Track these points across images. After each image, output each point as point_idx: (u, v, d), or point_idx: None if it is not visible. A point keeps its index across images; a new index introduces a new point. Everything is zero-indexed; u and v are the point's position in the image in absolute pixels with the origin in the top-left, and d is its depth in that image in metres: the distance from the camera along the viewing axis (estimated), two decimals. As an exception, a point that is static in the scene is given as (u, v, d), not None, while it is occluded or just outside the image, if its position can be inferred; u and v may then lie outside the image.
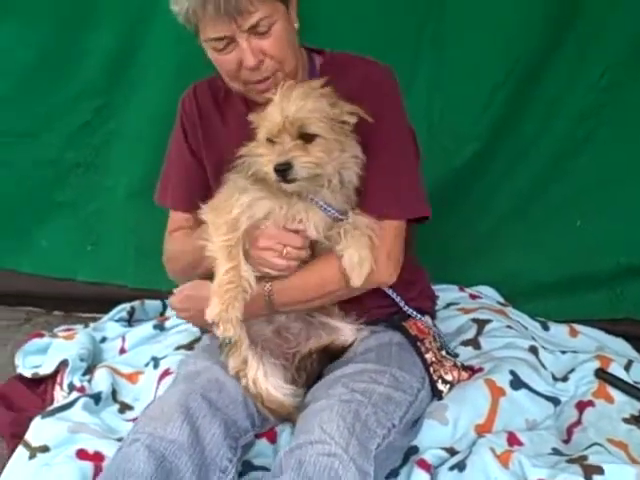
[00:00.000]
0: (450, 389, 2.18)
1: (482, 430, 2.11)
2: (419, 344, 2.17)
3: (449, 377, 2.19)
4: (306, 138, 1.87)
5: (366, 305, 2.17)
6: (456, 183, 3.05)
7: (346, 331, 2.13)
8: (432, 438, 2.08)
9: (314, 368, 2.11)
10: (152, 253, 3.10)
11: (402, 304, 2.19)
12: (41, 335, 2.94)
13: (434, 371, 2.15)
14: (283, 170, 1.83)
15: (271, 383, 2.01)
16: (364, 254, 1.94)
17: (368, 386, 1.93)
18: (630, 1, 2.76)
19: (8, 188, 3.34)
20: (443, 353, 2.25)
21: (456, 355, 2.41)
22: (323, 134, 1.88)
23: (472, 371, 2.28)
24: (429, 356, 2.16)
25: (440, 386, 2.15)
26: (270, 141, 1.90)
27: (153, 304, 3.18)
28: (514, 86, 2.94)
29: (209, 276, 1.97)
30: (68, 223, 3.36)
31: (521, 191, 3.04)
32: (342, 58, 2.19)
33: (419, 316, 2.24)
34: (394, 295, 2.16)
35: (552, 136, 2.97)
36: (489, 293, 2.96)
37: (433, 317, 2.41)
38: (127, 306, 3.10)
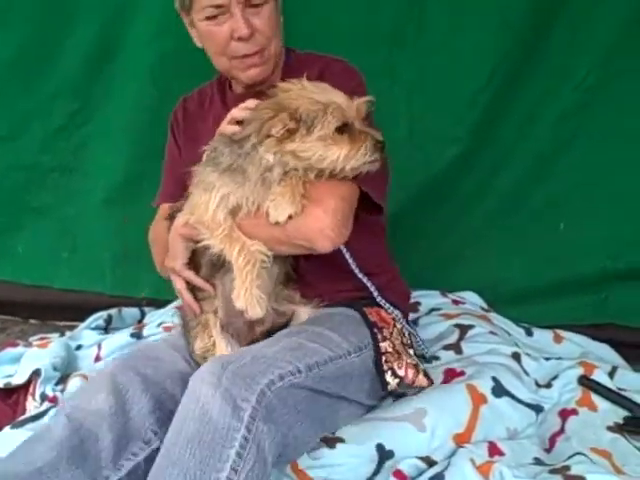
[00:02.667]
0: (399, 385, 2.07)
1: (461, 440, 2.06)
2: (375, 330, 2.12)
3: (401, 372, 2.08)
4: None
5: (331, 288, 2.18)
6: (437, 187, 3.02)
7: (302, 315, 2.15)
8: (408, 444, 2.02)
9: None
10: (130, 260, 3.10)
11: (370, 285, 2.15)
12: (15, 344, 2.88)
13: (386, 361, 2.07)
14: (381, 147, 1.91)
15: None
16: (287, 194, 1.91)
17: (276, 339, 1.97)
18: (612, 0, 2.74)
19: (-19, 193, 3.28)
20: (410, 352, 2.18)
21: (431, 359, 2.39)
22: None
23: (431, 381, 2.19)
24: (384, 345, 2.10)
25: (388, 378, 2.06)
26: (339, 131, 1.89)
27: (130, 312, 3.13)
28: (496, 88, 2.91)
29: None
30: (44, 229, 3.32)
31: (503, 195, 3.02)
32: (307, 56, 2.26)
33: (388, 306, 2.19)
34: (358, 273, 2.12)
35: (535, 138, 2.95)
36: (472, 299, 2.91)
37: (406, 315, 2.34)
38: (104, 314, 3.05)
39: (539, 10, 2.82)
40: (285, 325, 2.14)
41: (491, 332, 2.55)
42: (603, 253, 2.91)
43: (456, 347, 2.47)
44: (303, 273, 2.19)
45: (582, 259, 2.93)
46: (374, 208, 2.10)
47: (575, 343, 2.66)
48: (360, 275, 2.12)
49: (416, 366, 2.14)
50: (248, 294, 1.91)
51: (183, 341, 2.20)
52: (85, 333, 2.95)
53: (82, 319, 3.07)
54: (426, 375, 2.16)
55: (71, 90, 3.12)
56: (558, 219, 2.97)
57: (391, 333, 2.15)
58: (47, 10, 3.03)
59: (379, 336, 2.11)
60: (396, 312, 2.21)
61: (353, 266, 2.10)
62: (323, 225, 1.91)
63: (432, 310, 2.76)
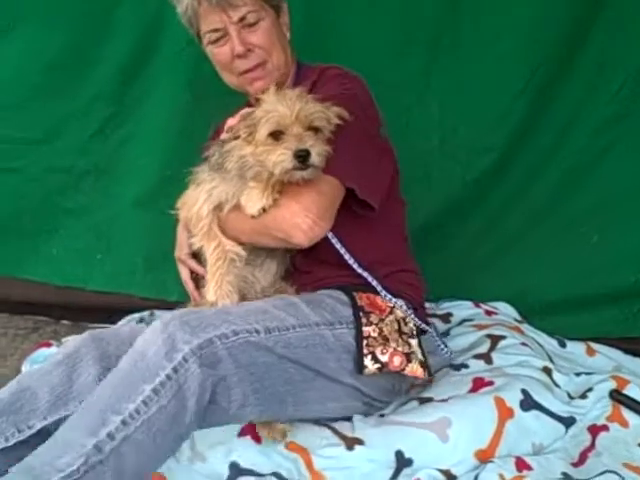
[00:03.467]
0: (380, 371, 2.04)
1: (483, 456, 2.04)
2: (361, 314, 2.10)
3: (384, 358, 2.04)
4: (314, 131, 2.01)
5: (326, 275, 2.22)
6: (469, 196, 3.00)
7: None
8: (429, 454, 2.02)
9: None
10: (162, 263, 3.11)
11: (365, 274, 2.14)
12: (48, 344, 2.90)
13: (367, 345, 2.05)
14: (303, 156, 1.93)
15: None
16: (259, 187, 2.00)
17: (242, 303, 2.06)
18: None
19: (19, 195, 3.32)
20: (411, 342, 2.13)
21: (460, 367, 2.39)
22: (324, 130, 2.03)
23: (430, 376, 2.19)
24: (368, 329, 2.07)
25: (367, 362, 2.04)
26: (274, 136, 1.97)
27: (162, 314, 3.13)
28: (531, 97, 2.90)
29: None
30: (78, 231, 3.34)
31: (537, 205, 2.99)
32: (314, 67, 2.36)
33: (385, 293, 2.15)
34: (353, 263, 2.13)
35: (570, 148, 2.92)
36: (505, 309, 2.89)
37: (420, 309, 2.31)
38: (136, 316, 3.06)
39: (575, 20, 2.80)
40: None
41: (523, 344, 2.52)
42: (637, 266, 2.87)
43: (486, 357, 2.45)
44: (299, 266, 2.26)
45: (615, 271, 2.89)
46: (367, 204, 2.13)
47: (608, 356, 2.64)
48: (355, 265, 2.13)
49: (408, 355, 2.09)
50: (218, 288, 2.05)
51: None
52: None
53: (114, 321, 3.07)
54: (424, 367, 2.12)
55: (107, 94, 3.14)
56: (592, 230, 2.93)
57: (381, 319, 2.11)
58: (85, 16, 3.06)
59: (364, 320, 2.09)
60: (398, 301, 2.17)
61: (346, 257, 2.12)
62: (297, 218, 1.98)
63: (464, 321, 2.74)
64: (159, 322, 1.87)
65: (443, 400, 2.18)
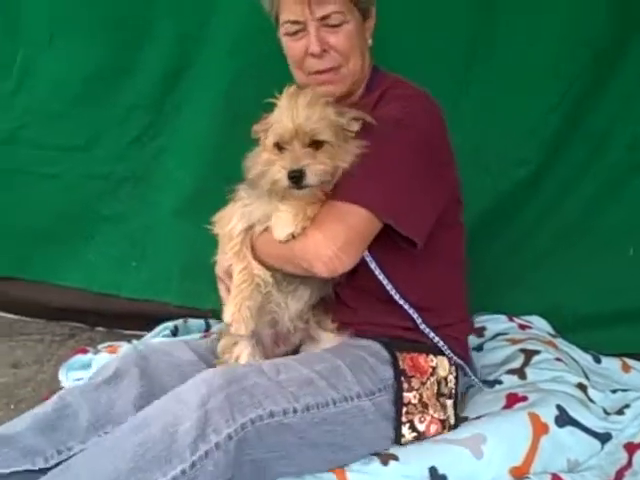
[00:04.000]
0: (416, 439, 2.07)
1: (518, 473, 2.03)
2: (402, 379, 2.07)
3: (421, 427, 2.07)
4: (315, 145, 1.94)
5: (372, 319, 2.15)
6: (502, 208, 2.99)
7: (326, 343, 2.16)
8: (462, 471, 2.01)
9: None
10: (197, 271, 3.13)
11: (415, 316, 2.10)
12: (85, 351, 2.96)
13: (407, 412, 2.06)
14: (296, 177, 1.88)
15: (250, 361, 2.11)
16: (290, 212, 1.92)
17: (292, 363, 1.99)
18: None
19: (57, 201, 3.37)
20: (447, 403, 2.15)
21: (494, 383, 2.37)
22: (331, 141, 1.95)
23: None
24: (409, 395, 2.06)
25: (404, 430, 2.06)
26: (278, 147, 1.95)
27: (196, 323, 3.16)
28: (567, 109, 2.88)
29: None
30: (115, 238, 3.37)
31: (571, 218, 2.97)
32: (386, 77, 2.24)
33: (442, 344, 2.12)
34: (388, 285, 2.07)
35: (604, 162, 2.91)
36: (539, 323, 2.87)
37: (460, 362, 2.23)
38: (170, 324, 3.09)
39: (613, 31, 2.79)
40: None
41: (557, 359, 2.51)
42: (673, 280, 2.84)
43: (520, 372, 2.45)
44: (345, 299, 2.17)
45: (651, 286, 2.86)
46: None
47: (643, 373, 2.62)
48: (401, 301, 2.08)
49: (443, 422, 2.12)
50: (236, 311, 1.99)
51: (209, 344, 2.34)
52: (153, 340, 3.00)
53: (147, 329, 3.12)
54: (450, 429, 2.14)
55: (146, 103, 3.18)
56: (627, 244, 2.91)
57: (423, 383, 2.10)
58: (125, 27, 3.11)
59: (405, 385, 2.06)
60: (441, 360, 2.15)
61: (392, 292, 2.06)
62: (319, 250, 1.90)
63: (498, 335, 2.74)
64: (204, 386, 1.82)
65: (477, 418, 2.18)
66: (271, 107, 2.06)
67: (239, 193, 2.10)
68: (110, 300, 3.35)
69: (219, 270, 2.23)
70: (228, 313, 2.01)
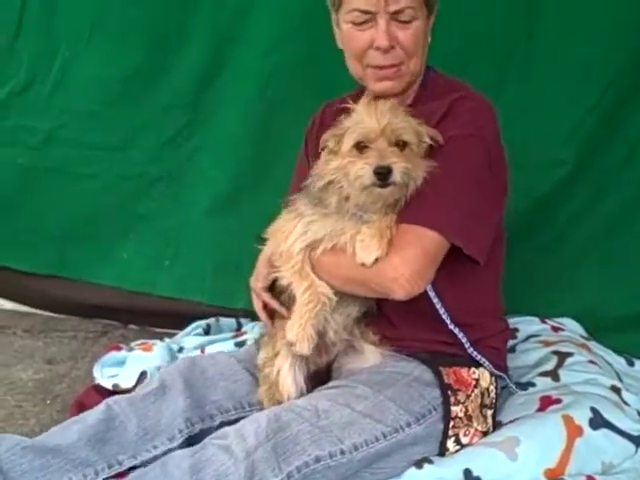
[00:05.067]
0: (458, 451, 2.07)
1: (552, 475, 2.01)
2: (449, 393, 2.06)
3: (465, 440, 2.08)
4: (400, 145, 1.91)
5: (414, 334, 2.14)
6: (538, 209, 2.97)
7: (370, 356, 2.15)
8: (497, 472, 1.99)
9: (323, 377, 2.21)
10: (230, 270, 3.16)
11: (462, 337, 2.10)
12: (119, 348, 2.99)
13: (453, 426, 2.06)
14: (383, 174, 1.84)
15: (291, 375, 2.10)
16: (375, 236, 1.91)
17: (332, 406, 1.96)
18: None
19: (93, 200, 3.42)
20: (488, 413, 2.15)
21: (527, 386, 2.37)
22: (413, 144, 1.92)
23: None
24: (455, 409, 2.06)
25: (449, 444, 2.06)
26: (359, 148, 1.90)
27: (228, 322, 3.20)
28: (605, 110, 2.86)
29: None
30: (149, 236, 3.41)
31: (606, 220, 2.95)
32: (446, 83, 2.20)
33: (483, 360, 2.13)
34: (450, 323, 2.07)
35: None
36: (572, 326, 2.85)
37: (499, 373, 2.23)
38: (202, 323, 3.13)
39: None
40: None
41: (591, 361, 2.50)
42: None
43: (553, 374, 2.44)
44: (387, 313, 2.16)
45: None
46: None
47: (677, 376, 2.59)
48: (448, 320, 2.07)
49: (485, 433, 2.13)
50: (301, 330, 1.96)
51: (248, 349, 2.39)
52: (186, 339, 3.04)
53: (179, 327, 3.16)
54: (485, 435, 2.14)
55: (181, 104, 3.21)
56: (663, 247, 2.88)
57: (468, 396, 2.10)
58: (161, 26, 3.14)
59: (452, 399, 2.06)
60: (481, 372, 2.15)
61: (441, 311, 2.06)
62: (397, 275, 1.90)
63: (530, 337, 2.72)
64: (253, 434, 1.85)
65: (511, 421, 2.17)
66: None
67: (298, 206, 2.04)
68: (143, 298, 3.38)
69: (255, 283, 2.24)
70: (294, 332, 1.98)
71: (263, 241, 2.18)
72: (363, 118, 1.91)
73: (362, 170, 1.86)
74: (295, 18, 2.93)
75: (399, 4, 1.99)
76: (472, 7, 2.86)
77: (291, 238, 1.99)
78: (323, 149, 2.03)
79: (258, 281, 2.23)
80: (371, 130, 1.89)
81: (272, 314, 2.23)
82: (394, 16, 2.01)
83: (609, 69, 2.82)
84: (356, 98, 2.22)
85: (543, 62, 2.87)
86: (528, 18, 2.86)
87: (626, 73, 2.81)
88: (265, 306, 2.23)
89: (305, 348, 1.97)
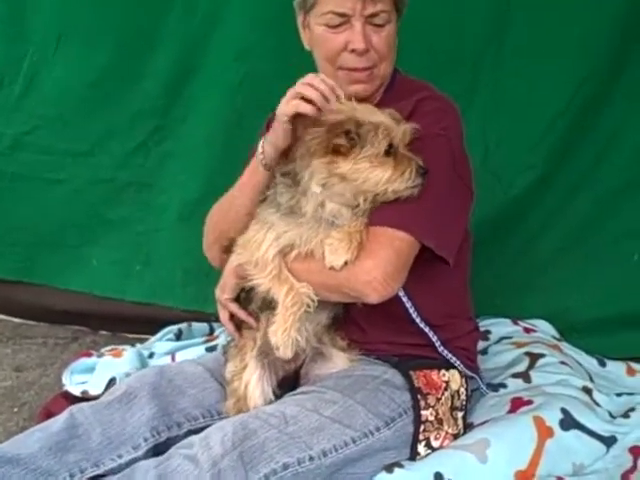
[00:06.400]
0: (429, 454, 2.06)
1: (523, 477, 2.01)
2: (419, 397, 2.06)
3: (436, 444, 2.07)
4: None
5: (383, 338, 2.14)
6: (510, 213, 3.00)
7: (338, 362, 2.14)
8: (467, 475, 1.99)
9: (292, 384, 2.18)
10: (201, 275, 3.14)
11: (433, 336, 2.10)
12: (89, 354, 2.96)
13: (424, 430, 2.05)
14: (424, 174, 1.89)
15: (259, 388, 2.08)
16: (344, 240, 1.90)
17: (300, 412, 1.94)
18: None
19: (63, 206, 3.38)
20: (459, 416, 2.15)
21: (498, 387, 2.37)
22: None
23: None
24: (425, 413, 2.05)
25: (420, 448, 2.05)
26: (386, 152, 1.88)
27: (200, 327, 3.18)
28: (574, 114, 2.90)
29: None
30: (119, 242, 3.38)
31: (577, 223, 2.98)
32: (411, 83, 2.21)
33: (455, 360, 2.13)
34: (420, 322, 2.07)
35: (612, 167, 2.92)
36: (544, 327, 2.87)
37: (471, 374, 2.24)
38: (174, 328, 3.11)
39: (619, 37, 2.81)
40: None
41: (562, 362, 2.51)
42: (679, 286, 2.84)
43: (525, 376, 2.45)
44: (355, 317, 2.14)
45: (656, 291, 2.85)
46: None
47: (649, 377, 2.61)
48: (418, 319, 2.07)
49: (456, 435, 2.12)
50: (286, 334, 1.93)
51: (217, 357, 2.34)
52: (157, 344, 3.01)
53: (151, 332, 3.13)
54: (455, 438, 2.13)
55: (151, 109, 3.20)
56: (632, 249, 2.92)
57: (438, 399, 2.09)
58: (130, 32, 3.13)
59: (422, 403, 2.06)
60: (452, 373, 2.15)
61: (411, 310, 2.05)
62: (370, 278, 1.89)
63: (502, 338, 2.74)
64: (218, 442, 1.82)
65: (482, 423, 2.17)
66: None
67: (268, 218, 2.00)
68: (114, 304, 3.35)
69: (221, 295, 2.19)
70: (278, 336, 1.94)
71: (228, 250, 2.15)
72: (382, 119, 1.89)
73: (404, 174, 1.87)
74: (265, 24, 2.93)
75: (375, 7, 2.00)
76: (443, 15, 2.89)
77: (264, 246, 1.97)
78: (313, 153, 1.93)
79: (224, 292, 2.18)
80: (397, 133, 1.89)
81: (239, 325, 2.19)
82: (369, 19, 2.02)
83: (578, 75, 2.86)
84: None
85: (513, 68, 2.90)
86: (498, 25, 2.90)
87: (594, 78, 2.85)
88: (232, 317, 2.19)
89: (289, 353, 1.94)
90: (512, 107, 2.91)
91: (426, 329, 2.09)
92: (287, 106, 1.93)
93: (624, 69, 2.83)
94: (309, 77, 1.93)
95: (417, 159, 1.89)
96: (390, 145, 1.87)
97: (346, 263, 1.89)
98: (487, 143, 2.93)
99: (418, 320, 2.07)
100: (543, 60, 2.85)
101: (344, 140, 1.85)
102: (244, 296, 2.14)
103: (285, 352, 1.94)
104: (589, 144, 2.90)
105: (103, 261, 3.41)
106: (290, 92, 1.94)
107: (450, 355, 2.12)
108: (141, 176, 3.30)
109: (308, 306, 1.95)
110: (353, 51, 2.03)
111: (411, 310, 2.05)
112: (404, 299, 2.04)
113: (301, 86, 1.92)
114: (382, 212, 1.93)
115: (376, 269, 1.89)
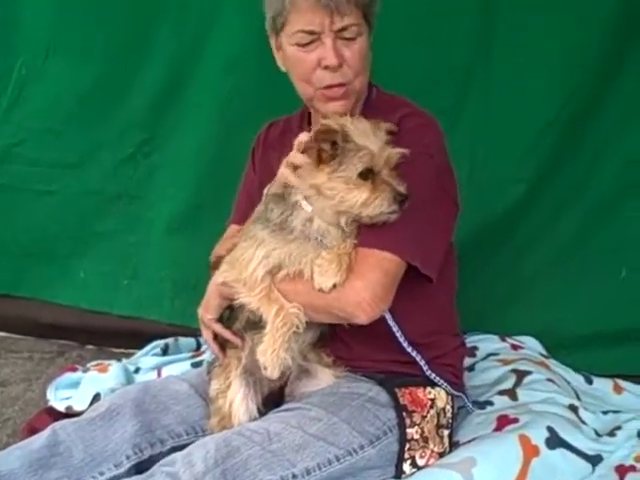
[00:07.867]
0: (414, 473, 2.03)
1: (508, 496, 2.00)
2: (404, 414, 2.04)
3: (421, 462, 2.05)
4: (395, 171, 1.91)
5: (368, 355, 2.12)
6: (497, 227, 3.00)
7: (323, 378, 2.13)
8: (453, 494, 1.98)
9: (276, 401, 2.16)
10: (189, 289, 3.13)
11: (417, 357, 2.08)
12: (74, 369, 2.94)
13: (409, 449, 2.03)
14: (401, 201, 1.85)
15: (244, 406, 2.06)
16: (333, 261, 1.89)
17: (284, 429, 1.92)
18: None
19: (50, 218, 3.38)
20: (445, 433, 2.14)
21: (485, 404, 2.36)
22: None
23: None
24: (411, 431, 2.04)
25: (405, 467, 2.03)
26: (362, 175, 1.85)
27: (187, 342, 3.16)
28: (561, 129, 2.90)
29: None
30: (106, 255, 3.37)
31: (565, 238, 2.97)
32: (391, 99, 2.18)
33: (439, 379, 2.10)
34: (403, 342, 2.05)
35: (599, 181, 2.91)
36: (531, 344, 2.86)
37: (457, 393, 2.21)
38: (161, 343, 3.09)
39: (607, 50, 2.81)
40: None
41: (549, 379, 2.50)
42: (665, 302, 2.83)
43: (511, 393, 2.44)
44: (341, 334, 2.12)
45: (643, 307, 2.85)
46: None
47: (635, 394, 2.61)
48: (401, 339, 2.05)
49: (442, 454, 2.10)
50: (275, 354, 1.91)
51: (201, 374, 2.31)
52: (143, 359, 3.00)
53: (138, 347, 3.12)
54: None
55: (140, 122, 3.20)
56: (620, 265, 2.91)
57: (424, 417, 2.08)
58: (120, 45, 3.14)
59: (407, 421, 2.04)
60: (437, 391, 2.13)
61: (394, 328, 2.03)
62: (360, 299, 1.88)
63: (490, 355, 2.72)
64: (200, 460, 1.80)
65: (468, 441, 2.16)
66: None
67: (255, 233, 1.98)
68: (101, 318, 3.33)
69: (205, 314, 2.16)
70: (268, 356, 1.91)
71: (215, 267, 2.11)
72: (365, 142, 1.86)
73: (380, 199, 1.84)
74: (254, 37, 2.91)
75: (344, 21, 1.96)
76: (430, 25, 2.88)
77: (252, 264, 1.94)
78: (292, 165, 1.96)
79: (208, 312, 2.15)
80: (378, 158, 1.86)
81: (223, 344, 2.17)
82: (339, 34, 1.98)
83: (566, 87, 2.86)
84: (301, 118, 2.25)
85: (500, 82, 2.90)
86: (486, 36, 2.90)
87: (581, 90, 2.85)
88: (215, 337, 2.17)
89: (276, 373, 1.92)
90: (499, 122, 2.91)
91: (413, 352, 2.07)
92: None
93: (612, 83, 2.83)
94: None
95: (398, 185, 1.85)
96: (369, 170, 1.85)
97: (335, 286, 1.88)
98: (474, 157, 2.93)
99: (403, 341, 2.05)
100: (531, 74, 2.85)
101: (329, 147, 1.85)
102: (228, 315, 2.12)
103: (273, 372, 1.92)
104: (577, 159, 2.90)
105: (91, 274, 3.40)
106: None
107: (436, 377, 2.10)
108: (130, 188, 3.30)
109: (297, 327, 1.92)
110: (326, 67, 2.00)
111: (396, 331, 2.03)
112: (390, 322, 2.02)
113: None
114: (369, 232, 1.92)
115: (365, 290, 1.88)
